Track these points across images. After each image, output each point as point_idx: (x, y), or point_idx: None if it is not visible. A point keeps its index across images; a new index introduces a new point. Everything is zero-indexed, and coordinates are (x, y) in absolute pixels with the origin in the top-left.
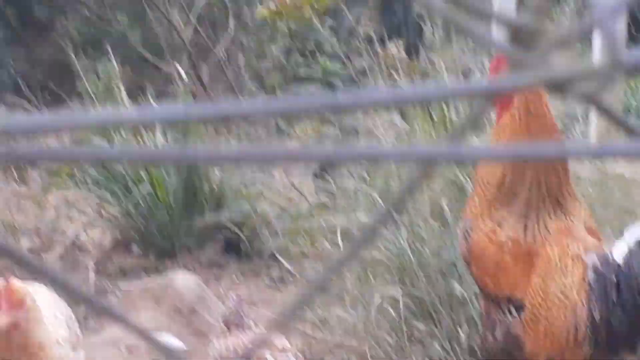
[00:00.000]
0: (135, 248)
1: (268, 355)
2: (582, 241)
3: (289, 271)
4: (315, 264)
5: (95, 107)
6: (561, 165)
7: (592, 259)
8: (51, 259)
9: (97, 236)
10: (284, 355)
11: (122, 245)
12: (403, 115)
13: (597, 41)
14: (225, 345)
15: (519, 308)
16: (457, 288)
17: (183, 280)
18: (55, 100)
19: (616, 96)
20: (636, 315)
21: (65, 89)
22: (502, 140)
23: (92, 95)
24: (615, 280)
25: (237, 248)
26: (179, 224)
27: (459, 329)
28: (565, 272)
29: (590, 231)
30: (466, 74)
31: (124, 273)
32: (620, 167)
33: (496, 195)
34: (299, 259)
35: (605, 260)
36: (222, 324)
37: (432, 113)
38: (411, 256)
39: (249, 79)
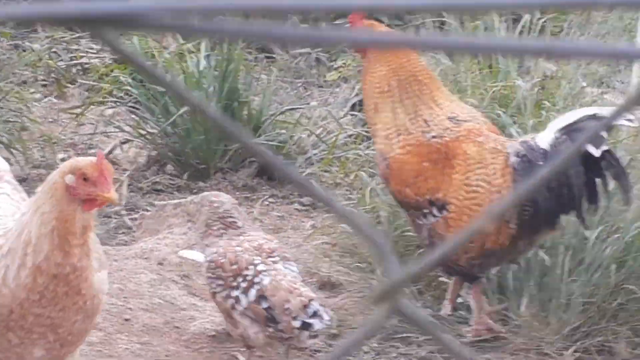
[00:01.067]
0: (169, 167)
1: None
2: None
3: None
4: (347, 192)
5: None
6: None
7: (513, 147)
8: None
9: (133, 153)
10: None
11: (157, 163)
12: (449, 54)
13: None
14: (216, 247)
15: (442, 208)
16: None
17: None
18: None
19: None
20: (561, 193)
21: None
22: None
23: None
24: (541, 163)
25: (270, 173)
26: (214, 147)
27: None
28: (485, 164)
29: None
30: (514, 17)
31: (157, 191)
32: None
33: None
34: (331, 188)
35: (529, 147)
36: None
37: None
38: None
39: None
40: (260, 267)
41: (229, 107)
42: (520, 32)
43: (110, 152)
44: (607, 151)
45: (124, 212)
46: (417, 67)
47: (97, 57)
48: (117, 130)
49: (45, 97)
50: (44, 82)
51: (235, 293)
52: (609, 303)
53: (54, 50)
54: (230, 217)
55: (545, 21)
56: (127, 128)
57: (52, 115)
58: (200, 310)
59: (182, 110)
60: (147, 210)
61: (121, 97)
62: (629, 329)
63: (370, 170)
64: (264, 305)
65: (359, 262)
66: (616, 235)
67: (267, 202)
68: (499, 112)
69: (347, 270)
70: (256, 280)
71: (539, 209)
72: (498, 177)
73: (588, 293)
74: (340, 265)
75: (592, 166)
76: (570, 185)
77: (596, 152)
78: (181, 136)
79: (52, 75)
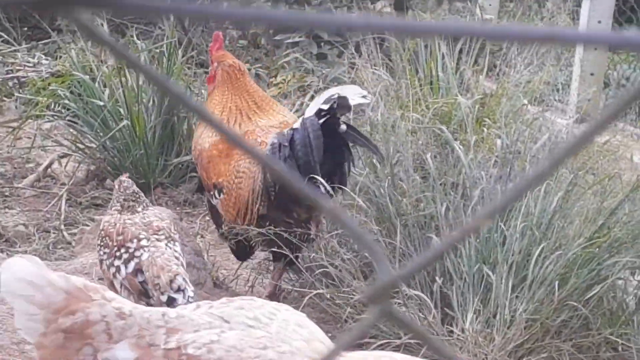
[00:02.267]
0: (109, 182)
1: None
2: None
3: None
4: None
5: (76, 43)
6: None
7: (272, 137)
8: (23, 186)
9: (71, 167)
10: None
11: (96, 178)
12: (390, 70)
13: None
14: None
15: (220, 191)
16: (435, 239)
17: (163, 213)
18: (34, 34)
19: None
20: (306, 168)
21: (45, 24)
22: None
23: (72, 31)
24: (286, 144)
25: None
26: (154, 162)
27: (434, 280)
28: None
29: (286, 124)
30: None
31: (96, 206)
32: None
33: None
34: None
35: (281, 134)
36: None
37: (419, 69)
38: (390, 206)
39: (231, 27)
40: (143, 242)
41: (169, 121)
42: (460, 51)
43: (48, 166)
44: (350, 127)
45: (62, 227)
46: (249, 89)
47: (34, 71)
48: (55, 144)
49: None
50: None
51: (117, 263)
52: (552, 320)
53: None
54: (135, 200)
55: (484, 40)
56: (65, 142)
57: None
58: None
59: (121, 124)
60: (87, 225)
61: (59, 110)
62: (572, 345)
63: None
64: (140, 278)
65: (302, 278)
66: (558, 252)
67: (208, 217)
68: (442, 127)
69: (290, 286)
70: (137, 254)
71: (285, 188)
72: (255, 167)
73: (532, 310)
74: (284, 280)
75: (338, 143)
76: (309, 162)
77: (341, 129)
78: (120, 150)
79: None
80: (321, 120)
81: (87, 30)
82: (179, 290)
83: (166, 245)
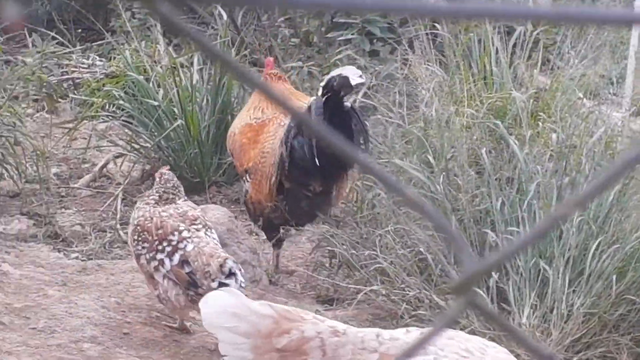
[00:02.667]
0: None
1: None
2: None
3: None
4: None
5: (130, 44)
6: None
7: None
8: (79, 187)
9: (126, 167)
10: None
11: (151, 177)
12: (443, 66)
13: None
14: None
15: (250, 174)
16: (490, 235)
17: (214, 212)
18: (88, 36)
19: None
20: (311, 149)
21: (99, 25)
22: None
23: (125, 32)
24: (293, 125)
25: None
26: (209, 161)
27: (490, 275)
28: (275, 136)
29: None
30: (508, 30)
31: None
32: None
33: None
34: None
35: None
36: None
37: (472, 64)
38: (445, 201)
39: (283, 25)
40: (184, 234)
41: (222, 120)
42: (514, 45)
43: (103, 166)
44: (353, 108)
45: (118, 226)
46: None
47: (88, 72)
48: (110, 144)
49: (38, 112)
50: (36, 97)
51: (160, 256)
52: (610, 314)
53: (45, 65)
54: (175, 194)
55: (538, 34)
56: (120, 142)
57: (44, 130)
58: (200, 324)
59: (175, 124)
60: None
61: (114, 111)
62: (630, 339)
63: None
64: (187, 269)
65: (356, 275)
66: (616, 246)
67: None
68: (497, 122)
69: (345, 284)
70: (180, 245)
71: (295, 162)
72: (277, 145)
73: (589, 304)
74: (338, 277)
75: (344, 121)
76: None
77: (346, 106)
78: (175, 150)
79: (44, 90)
80: (323, 99)
81: (166, 20)
82: (230, 274)
83: (205, 233)
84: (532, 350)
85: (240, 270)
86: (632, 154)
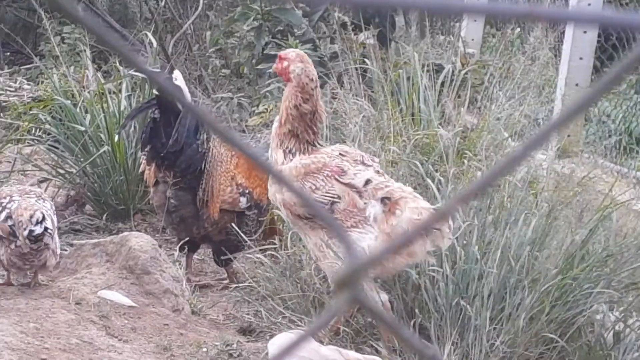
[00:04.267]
0: (88, 207)
1: None
2: None
3: None
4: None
5: (58, 69)
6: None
7: None
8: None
9: (51, 192)
10: None
11: (75, 203)
12: (372, 102)
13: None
14: None
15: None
16: (412, 273)
17: (137, 240)
18: (17, 60)
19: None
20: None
21: (28, 48)
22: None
23: (54, 57)
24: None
25: None
26: (135, 188)
27: (413, 314)
28: None
29: None
30: (437, 68)
31: (75, 231)
32: None
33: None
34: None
35: None
36: None
37: (400, 100)
38: None
39: (214, 56)
40: (15, 198)
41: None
42: (442, 83)
43: None
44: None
45: None
46: None
47: (15, 95)
48: (35, 168)
49: None
50: None
51: None
52: (529, 351)
53: None
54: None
55: (466, 73)
56: (45, 167)
57: None
58: (119, 352)
59: (102, 150)
60: (65, 250)
61: (40, 135)
62: None
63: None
64: (10, 222)
65: (281, 306)
66: (537, 285)
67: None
68: (422, 159)
69: (269, 315)
70: (8, 206)
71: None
72: None
73: (509, 342)
74: (262, 308)
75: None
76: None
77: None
78: (100, 176)
79: None
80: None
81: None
82: (37, 223)
83: (36, 200)
84: (417, 350)
85: (51, 219)
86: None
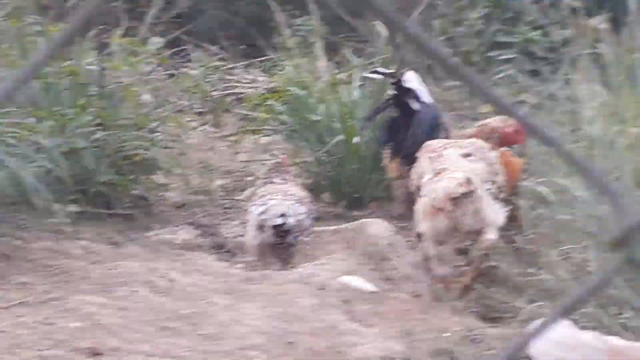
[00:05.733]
0: (326, 195)
1: None
2: None
3: None
4: None
5: (291, 60)
6: None
7: None
8: (243, 199)
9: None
10: None
11: (313, 191)
12: (606, 85)
13: None
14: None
15: None
16: None
17: (375, 226)
18: (252, 53)
19: None
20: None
21: (261, 41)
22: None
23: (287, 49)
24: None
25: None
26: (369, 176)
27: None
28: None
29: None
30: None
31: (314, 219)
32: None
33: None
34: None
35: None
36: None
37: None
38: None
39: (444, 45)
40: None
41: None
42: None
43: None
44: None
45: None
46: None
47: (251, 87)
48: (272, 157)
49: (201, 125)
50: (200, 111)
51: None
52: None
53: (207, 80)
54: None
55: None
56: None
57: (208, 143)
58: (363, 336)
59: (336, 139)
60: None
61: (276, 125)
62: None
63: None
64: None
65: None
66: None
67: None
68: None
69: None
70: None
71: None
72: None
73: None
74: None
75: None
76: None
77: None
78: (335, 165)
79: (208, 103)
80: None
81: (416, 41)
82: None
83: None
84: None
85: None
86: None
